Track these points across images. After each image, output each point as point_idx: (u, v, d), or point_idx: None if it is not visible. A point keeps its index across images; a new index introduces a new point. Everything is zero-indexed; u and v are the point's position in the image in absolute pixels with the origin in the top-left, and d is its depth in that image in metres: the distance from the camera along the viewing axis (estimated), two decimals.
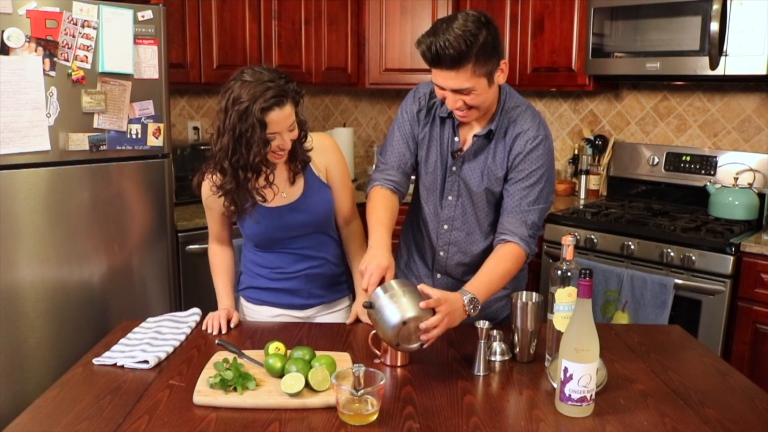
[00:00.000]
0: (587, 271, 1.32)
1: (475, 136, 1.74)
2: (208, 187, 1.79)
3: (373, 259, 1.55)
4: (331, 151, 1.87)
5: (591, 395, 1.32)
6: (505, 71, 1.63)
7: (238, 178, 1.68)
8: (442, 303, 1.46)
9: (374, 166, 1.80)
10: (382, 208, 1.76)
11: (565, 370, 1.31)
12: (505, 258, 1.68)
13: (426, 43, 1.55)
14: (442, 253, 1.86)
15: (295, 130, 1.69)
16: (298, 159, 1.79)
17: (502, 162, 1.74)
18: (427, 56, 1.56)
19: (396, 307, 1.43)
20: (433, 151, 1.80)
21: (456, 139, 1.77)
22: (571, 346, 1.31)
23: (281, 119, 1.63)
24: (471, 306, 1.53)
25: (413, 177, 1.92)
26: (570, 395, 1.32)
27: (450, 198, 1.80)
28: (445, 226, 1.83)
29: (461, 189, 1.79)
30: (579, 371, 1.30)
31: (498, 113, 1.72)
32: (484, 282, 1.61)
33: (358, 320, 1.86)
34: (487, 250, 1.76)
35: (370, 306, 1.46)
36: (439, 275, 1.89)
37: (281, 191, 1.80)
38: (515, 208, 1.71)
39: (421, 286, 1.49)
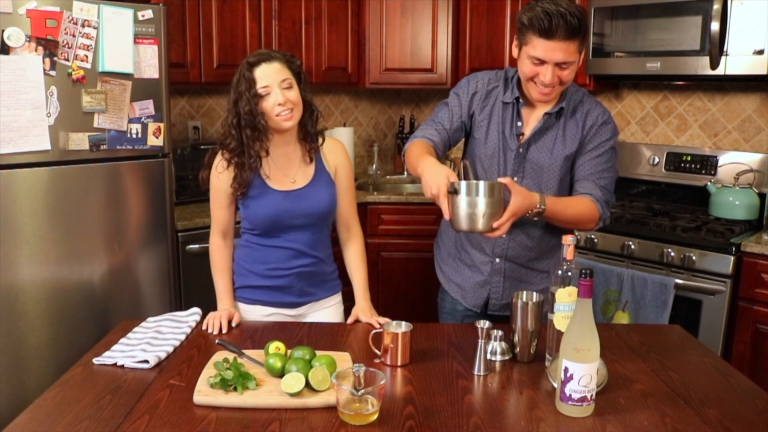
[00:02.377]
0: (588, 271, 1.32)
1: (546, 114, 1.81)
2: (220, 166, 1.84)
3: (437, 175, 1.59)
4: (342, 154, 1.95)
5: (591, 395, 1.32)
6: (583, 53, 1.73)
7: (241, 137, 1.77)
8: (516, 216, 1.59)
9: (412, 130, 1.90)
10: (424, 151, 1.77)
11: (566, 370, 1.31)
12: (584, 202, 1.78)
13: (541, 11, 1.59)
14: (504, 236, 1.86)
15: (292, 89, 1.77)
16: (312, 136, 1.87)
17: (573, 137, 1.82)
18: (543, 25, 1.60)
19: (476, 212, 1.53)
20: (493, 134, 1.85)
21: (519, 123, 1.83)
22: (571, 346, 1.31)
23: (269, 72, 1.74)
24: (536, 215, 1.66)
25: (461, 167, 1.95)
26: (570, 395, 1.31)
27: (515, 179, 1.81)
28: None
29: (527, 170, 1.83)
30: (579, 371, 1.30)
31: (566, 94, 1.82)
32: (560, 204, 1.73)
33: (357, 320, 1.87)
34: (548, 230, 1.86)
35: (454, 192, 1.51)
36: (497, 260, 1.91)
37: (292, 176, 1.86)
38: (588, 175, 1.81)
39: (508, 181, 1.58)
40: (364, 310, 1.90)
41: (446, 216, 1.56)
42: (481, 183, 1.54)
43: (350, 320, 1.87)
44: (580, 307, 1.32)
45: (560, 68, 1.67)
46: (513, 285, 1.91)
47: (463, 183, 1.54)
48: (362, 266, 1.99)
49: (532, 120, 1.84)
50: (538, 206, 1.65)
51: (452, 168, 1.96)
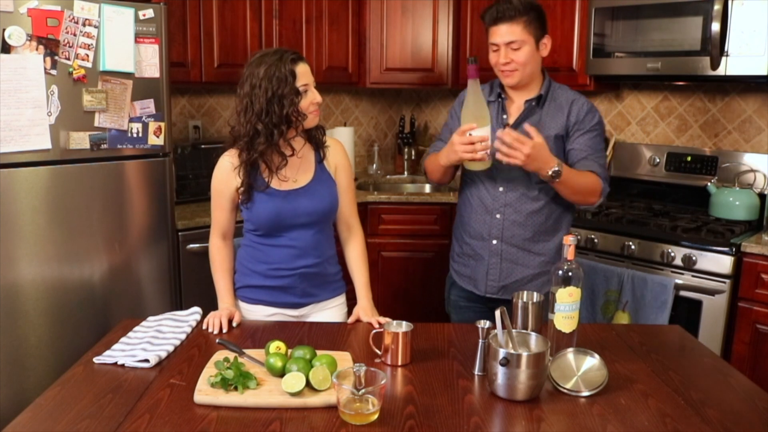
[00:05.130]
0: (474, 57, 1.82)
1: (526, 101, 2.02)
2: (224, 168, 1.84)
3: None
4: (341, 153, 1.97)
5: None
6: (548, 46, 1.99)
7: (272, 137, 1.76)
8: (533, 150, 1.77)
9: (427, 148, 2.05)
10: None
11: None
12: (590, 175, 1.95)
13: (490, 9, 1.94)
14: (498, 216, 2.04)
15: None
16: (316, 136, 1.91)
17: (559, 120, 2.00)
18: (492, 15, 1.93)
19: (523, 382, 1.36)
20: None
21: (504, 116, 2.05)
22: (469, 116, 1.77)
23: (307, 72, 1.80)
24: (556, 168, 1.82)
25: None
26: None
27: (503, 162, 1.90)
28: (501, 188, 2.03)
29: None
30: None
31: (544, 84, 2.03)
32: (572, 171, 1.90)
33: (358, 320, 1.87)
34: (537, 211, 2.02)
35: (506, 363, 1.35)
36: (495, 242, 2.06)
37: (294, 176, 1.86)
38: (588, 155, 1.98)
39: (527, 126, 1.81)
40: (365, 309, 1.90)
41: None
42: (534, 355, 1.37)
43: (351, 320, 1.88)
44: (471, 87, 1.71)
45: (512, 49, 1.93)
46: (510, 267, 2.07)
47: (525, 355, 1.36)
48: (363, 266, 1.99)
49: (514, 110, 2.05)
50: (556, 165, 1.82)
51: None
